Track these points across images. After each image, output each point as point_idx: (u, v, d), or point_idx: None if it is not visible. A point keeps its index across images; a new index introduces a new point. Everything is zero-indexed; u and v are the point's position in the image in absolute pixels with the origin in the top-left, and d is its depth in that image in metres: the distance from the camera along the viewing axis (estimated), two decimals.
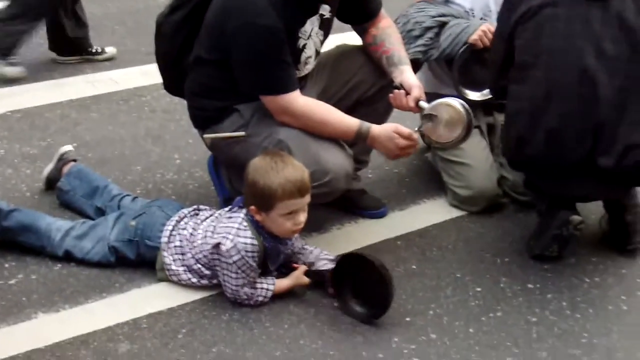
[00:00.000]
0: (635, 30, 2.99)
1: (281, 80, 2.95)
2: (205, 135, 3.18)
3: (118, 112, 4.26)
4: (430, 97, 3.56)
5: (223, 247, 2.81)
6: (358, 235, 3.36)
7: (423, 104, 3.06)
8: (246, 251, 2.79)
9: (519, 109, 3.11)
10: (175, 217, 3.04)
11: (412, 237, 3.36)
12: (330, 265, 2.94)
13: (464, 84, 3.60)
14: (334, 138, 3.00)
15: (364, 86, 3.27)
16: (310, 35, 3.06)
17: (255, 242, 2.80)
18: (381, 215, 3.48)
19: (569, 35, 3.00)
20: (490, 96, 3.56)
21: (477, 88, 3.61)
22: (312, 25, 3.05)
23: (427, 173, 3.77)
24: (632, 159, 3.02)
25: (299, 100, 2.97)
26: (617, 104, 2.99)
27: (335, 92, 3.28)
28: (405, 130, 3.00)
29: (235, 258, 2.79)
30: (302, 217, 2.81)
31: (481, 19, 3.60)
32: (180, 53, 3.19)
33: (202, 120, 3.20)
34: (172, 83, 3.32)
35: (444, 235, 3.39)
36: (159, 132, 4.00)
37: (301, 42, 3.03)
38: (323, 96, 3.24)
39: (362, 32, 3.30)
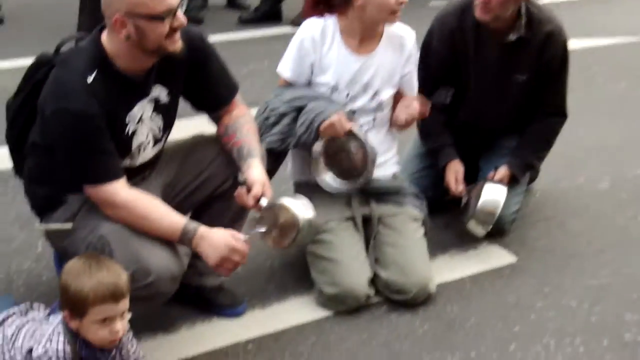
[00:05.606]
0: None
1: (99, 170, 2.75)
2: (36, 226, 3.00)
3: None
4: (303, 186, 3.41)
5: (34, 354, 2.60)
6: (208, 336, 3.13)
7: (263, 202, 2.87)
8: (57, 357, 2.57)
9: None
10: (3, 314, 2.85)
11: (265, 341, 3.13)
12: None
13: (332, 169, 3.41)
14: (159, 236, 2.79)
15: (217, 180, 3.08)
16: (141, 120, 2.86)
17: (68, 348, 2.58)
18: (238, 314, 3.26)
19: None
20: (359, 185, 3.39)
21: (348, 176, 3.42)
22: (142, 109, 2.85)
23: (301, 267, 3.51)
24: None
25: (121, 192, 2.77)
26: None
27: (186, 185, 3.09)
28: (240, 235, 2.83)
29: None
30: (119, 325, 2.58)
31: (347, 95, 3.40)
32: (21, 137, 3.01)
33: (37, 209, 3.03)
34: (19, 168, 3.14)
35: (301, 339, 3.15)
36: (30, 216, 3.80)
37: (130, 128, 2.83)
38: (171, 189, 3.06)
39: (216, 121, 3.12)
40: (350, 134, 3.30)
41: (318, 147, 3.33)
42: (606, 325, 3.33)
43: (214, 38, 3.20)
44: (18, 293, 3.29)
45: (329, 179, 3.41)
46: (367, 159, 3.35)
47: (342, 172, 3.41)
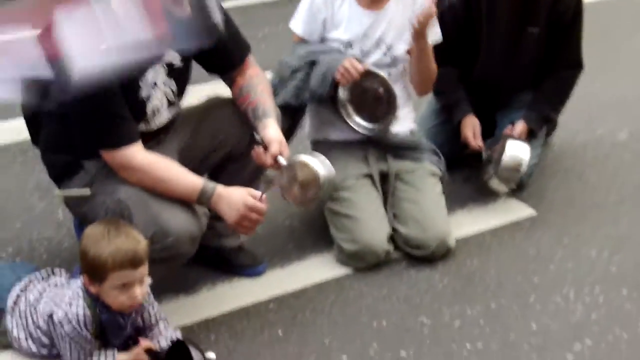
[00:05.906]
0: None
1: (115, 134, 2.76)
2: (55, 193, 3.02)
3: (13, 163, 4.13)
4: (320, 144, 3.42)
5: (55, 317, 2.65)
6: (229, 297, 3.15)
7: (282, 160, 2.87)
8: (77, 321, 2.60)
9: None
10: (25, 280, 2.89)
11: (286, 299, 3.15)
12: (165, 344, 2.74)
13: (362, 111, 3.43)
14: (177, 198, 2.80)
15: (232, 141, 3.08)
16: (155, 84, 2.86)
17: (88, 312, 2.61)
18: (258, 274, 3.28)
19: None
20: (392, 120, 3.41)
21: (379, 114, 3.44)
22: (156, 74, 2.85)
23: (320, 226, 3.53)
24: None
25: (138, 156, 2.77)
26: None
27: (201, 148, 3.09)
28: (258, 193, 2.82)
29: (66, 329, 2.61)
30: (138, 290, 2.59)
31: (360, 50, 3.40)
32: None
33: (54, 176, 3.04)
34: (36, 137, 3.15)
35: (321, 297, 3.17)
36: (49, 185, 3.82)
37: (144, 92, 2.84)
38: (187, 152, 3.06)
39: (230, 83, 3.12)
40: (367, 74, 3.32)
41: (344, 94, 3.35)
42: (625, 275, 3.33)
43: (228, 3, 3.19)
44: (41, 261, 3.32)
45: (361, 121, 3.43)
46: (391, 91, 3.37)
47: (372, 111, 3.43)
